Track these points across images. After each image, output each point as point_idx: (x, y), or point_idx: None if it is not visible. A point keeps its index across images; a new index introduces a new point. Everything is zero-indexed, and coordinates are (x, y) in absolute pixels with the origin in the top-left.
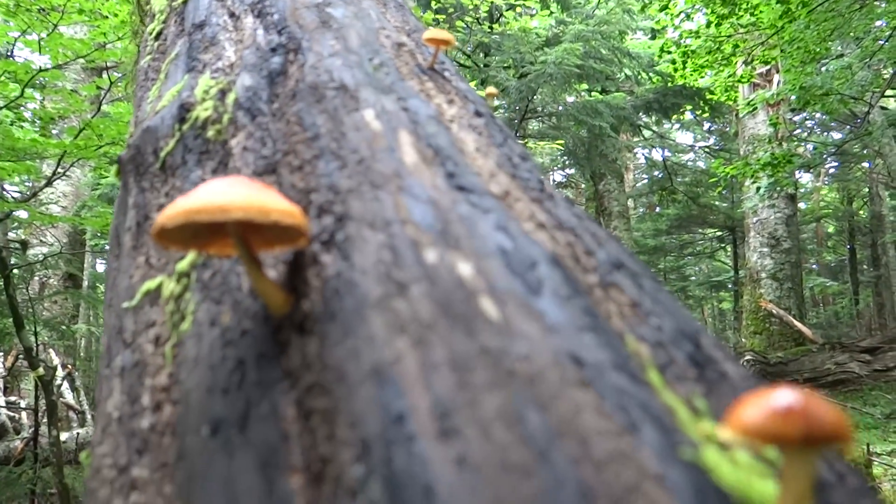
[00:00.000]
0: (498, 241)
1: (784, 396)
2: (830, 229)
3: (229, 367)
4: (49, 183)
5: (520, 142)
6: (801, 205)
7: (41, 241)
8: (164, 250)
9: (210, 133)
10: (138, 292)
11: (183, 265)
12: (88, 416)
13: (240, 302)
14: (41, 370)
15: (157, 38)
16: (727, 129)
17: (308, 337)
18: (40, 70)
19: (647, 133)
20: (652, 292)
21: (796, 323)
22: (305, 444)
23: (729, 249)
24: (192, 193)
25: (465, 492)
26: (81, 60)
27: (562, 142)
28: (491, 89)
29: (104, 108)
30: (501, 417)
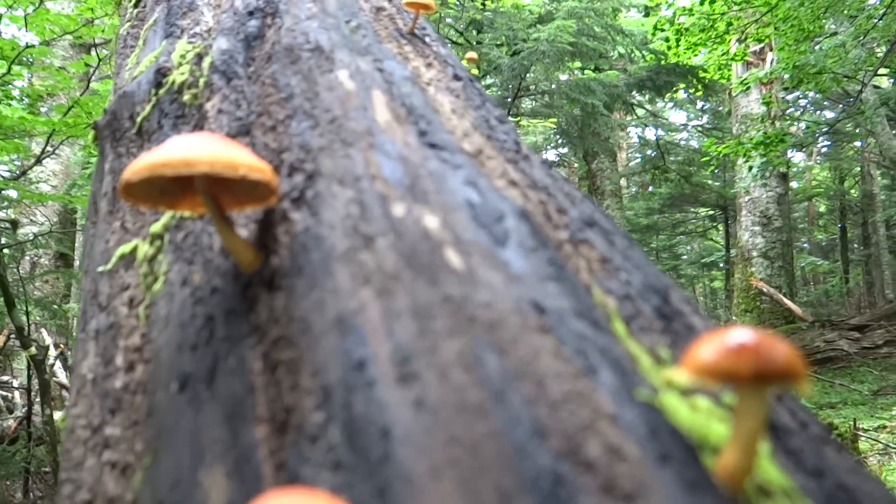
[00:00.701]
0: (466, 195)
1: (737, 335)
2: (822, 208)
3: (199, 324)
4: (38, 161)
5: (504, 113)
6: (793, 184)
7: (31, 220)
8: (139, 214)
9: (186, 97)
10: (114, 256)
11: (156, 227)
12: None
13: (211, 261)
14: (33, 349)
15: (136, 5)
16: (720, 107)
17: (276, 292)
18: (27, 46)
19: (640, 111)
20: (623, 249)
21: (786, 301)
22: (271, 396)
23: (721, 228)
24: (158, 148)
25: (421, 432)
26: (69, 37)
27: (554, 120)
28: (471, 54)
29: (93, 85)
30: (460, 362)
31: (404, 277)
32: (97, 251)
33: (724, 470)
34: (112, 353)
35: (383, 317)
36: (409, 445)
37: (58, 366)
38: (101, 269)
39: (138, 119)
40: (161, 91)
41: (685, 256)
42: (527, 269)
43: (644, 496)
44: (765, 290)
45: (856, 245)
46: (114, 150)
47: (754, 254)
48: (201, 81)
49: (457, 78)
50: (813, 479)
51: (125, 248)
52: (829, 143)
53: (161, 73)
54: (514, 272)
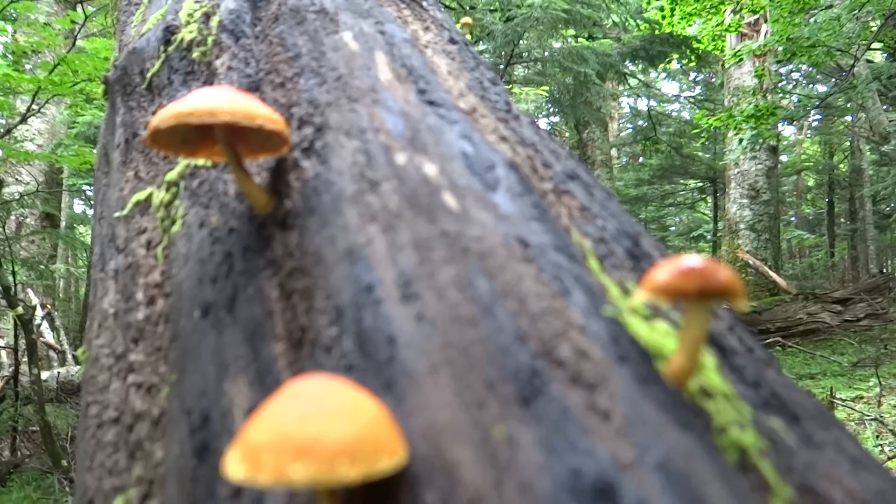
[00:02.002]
0: (461, 146)
1: (686, 260)
2: (811, 182)
3: (218, 260)
4: (24, 119)
5: (496, 76)
6: (783, 157)
7: (17, 179)
8: (152, 164)
9: (195, 54)
10: (129, 203)
11: (172, 175)
12: (69, 356)
13: (226, 205)
14: (20, 309)
15: None
16: (713, 79)
17: (290, 231)
18: (11, 0)
19: (632, 82)
20: (601, 200)
21: (771, 273)
22: (287, 318)
23: (709, 201)
24: (183, 99)
25: (421, 339)
26: None
27: (546, 88)
28: (466, 19)
29: (79, 42)
30: (455, 284)
31: (406, 216)
32: (112, 198)
33: (671, 371)
34: (132, 290)
35: (388, 248)
36: (411, 349)
37: (44, 326)
38: (117, 214)
39: (148, 75)
40: (170, 48)
41: (673, 228)
42: (513, 210)
43: (604, 386)
44: (750, 262)
45: (842, 220)
46: (125, 104)
47: (741, 226)
48: (210, 40)
49: (452, 41)
50: (751, 388)
51: (140, 196)
52: (820, 117)
53: (170, 31)
54: (502, 212)
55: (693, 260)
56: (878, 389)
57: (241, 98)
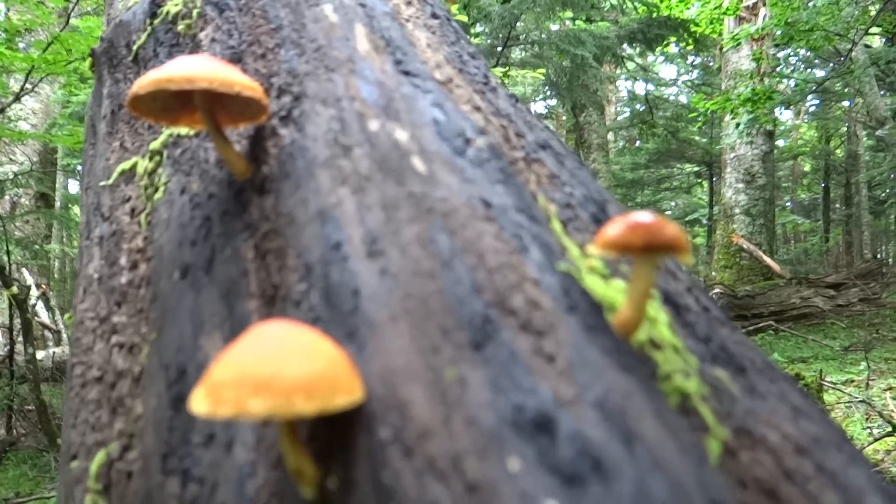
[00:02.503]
0: (433, 114)
1: (635, 216)
2: (807, 167)
3: (197, 224)
4: (17, 98)
5: (477, 50)
6: (780, 142)
7: (10, 159)
8: (137, 134)
9: (180, 27)
10: (114, 172)
11: (155, 144)
12: (64, 336)
13: (207, 171)
14: (15, 289)
15: None
16: (711, 63)
17: (266, 195)
18: None
19: (630, 65)
20: (571, 169)
21: (765, 258)
22: (261, 277)
23: (705, 185)
24: (162, 67)
25: (383, 292)
26: None
27: (543, 71)
28: None
29: (73, 21)
30: (417, 241)
31: (376, 178)
32: (98, 168)
33: (619, 321)
34: (116, 256)
35: (357, 209)
36: (374, 301)
37: (40, 306)
38: (102, 183)
39: (134, 47)
40: (156, 21)
41: (669, 212)
42: (480, 174)
43: (552, 332)
44: (745, 246)
45: (838, 205)
46: (111, 75)
47: (737, 210)
48: (195, 13)
49: (434, 16)
50: (701, 343)
51: (125, 165)
52: (817, 101)
53: (156, 4)
54: (468, 176)
55: (641, 216)
56: (867, 373)
57: (219, 66)
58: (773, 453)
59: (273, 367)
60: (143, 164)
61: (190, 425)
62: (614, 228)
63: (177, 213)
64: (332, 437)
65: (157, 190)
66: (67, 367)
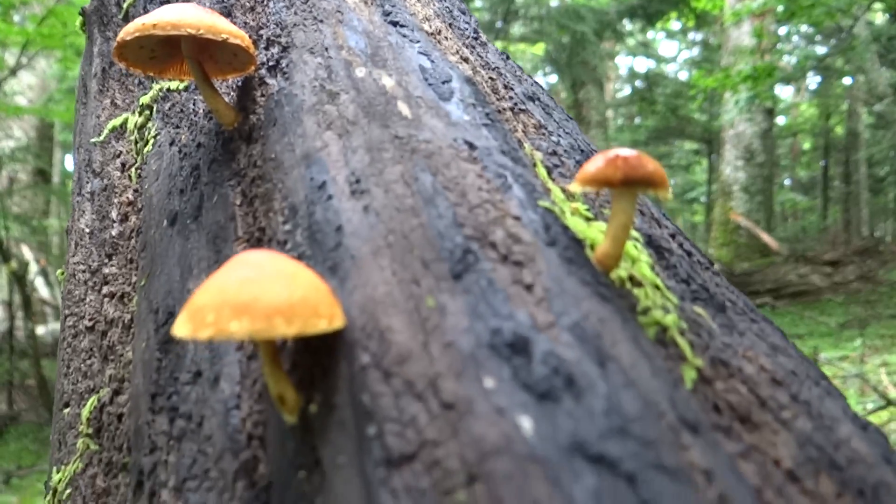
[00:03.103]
0: (420, 62)
1: (615, 152)
2: (806, 145)
3: (186, 173)
4: (14, 72)
5: (467, 7)
6: (780, 120)
7: (7, 134)
8: (128, 91)
9: None
10: (105, 129)
11: (145, 99)
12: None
13: (195, 123)
14: (14, 265)
15: None
16: (712, 39)
17: (254, 143)
18: None
19: (630, 42)
20: (559, 121)
21: (763, 235)
22: (248, 222)
23: (704, 163)
24: (149, 13)
25: (366, 227)
26: None
27: (542, 46)
28: None
29: None
30: (401, 180)
31: (361, 122)
32: (89, 126)
33: (598, 256)
34: (107, 210)
35: (342, 151)
36: (356, 237)
37: (39, 281)
38: (93, 140)
39: (125, 5)
40: None
41: None
42: (465, 118)
43: (531, 264)
44: (743, 223)
45: (837, 183)
46: (102, 34)
47: (735, 188)
48: None
49: None
50: (682, 283)
51: (116, 122)
52: (818, 78)
53: None
54: (453, 119)
55: (620, 152)
56: (862, 349)
57: (206, 13)
58: (748, 383)
59: (254, 291)
60: (134, 120)
61: (178, 365)
62: (594, 164)
63: (166, 163)
64: (314, 365)
65: (146, 143)
66: (60, 319)
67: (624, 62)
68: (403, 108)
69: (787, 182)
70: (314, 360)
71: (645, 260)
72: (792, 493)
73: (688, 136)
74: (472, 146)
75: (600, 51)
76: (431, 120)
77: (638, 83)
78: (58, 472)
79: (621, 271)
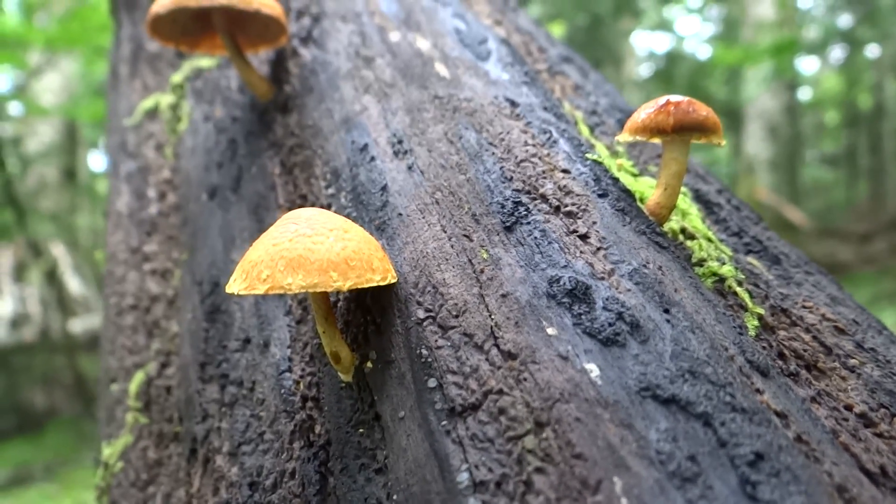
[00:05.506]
0: (454, 24)
1: (665, 99)
2: (832, 118)
3: (222, 147)
4: (38, 74)
5: None
6: (805, 92)
7: (34, 132)
8: (158, 73)
9: None
10: (137, 112)
11: (177, 78)
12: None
13: (229, 98)
14: (46, 262)
15: None
16: (732, 15)
17: (289, 113)
18: None
19: (648, 20)
20: (596, 82)
21: (789, 210)
22: (289, 190)
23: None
24: None
25: (412, 186)
26: None
27: (560, 23)
28: None
29: None
30: (444, 138)
31: (399, 85)
32: (122, 109)
33: (651, 206)
34: (144, 189)
35: (382, 113)
36: (402, 195)
37: (70, 277)
38: (126, 122)
39: None
40: None
41: None
42: (505, 77)
43: (584, 215)
44: (767, 199)
45: (863, 156)
46: (130, 18)
47: (759, 164)
48: None
49: None
50: (734, 236)
51: (148, 104)
52: (843, 50)
53: None
54: (492, 78)
55: (671, 98)
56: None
57: None
58: (811, 331)
59: (308, 245)
60: (166, 100)
61: (225, 334)
62: (644, 111)
63: (202, 139)
64: (366, 323)
65: (180, 120)
66: (102, 300)
67: (643, 42)
68: (441, 68)
69: (813, 156)
70: (366, 318)
71: (696, 213)
72: (867, 435)
73: None
74: (513, 103)
75: (618, 30)
76: (471, 79)
77: (657, 62)
78: (107, 446)
79: (673, 224)
